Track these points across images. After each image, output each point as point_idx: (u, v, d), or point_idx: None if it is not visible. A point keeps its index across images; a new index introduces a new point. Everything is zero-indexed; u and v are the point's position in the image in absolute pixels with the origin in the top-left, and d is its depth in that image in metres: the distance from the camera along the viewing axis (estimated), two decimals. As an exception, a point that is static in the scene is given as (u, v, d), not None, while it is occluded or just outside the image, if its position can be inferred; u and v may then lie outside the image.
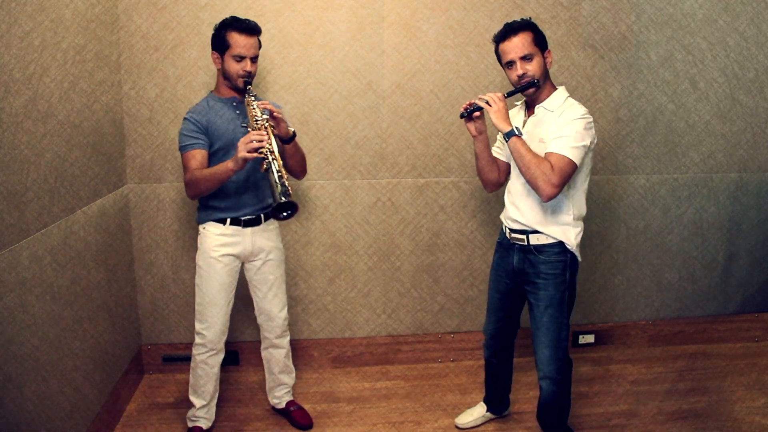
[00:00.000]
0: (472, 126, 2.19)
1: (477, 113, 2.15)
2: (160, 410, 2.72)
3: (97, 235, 2.43)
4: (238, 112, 2.34)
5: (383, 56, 2.86)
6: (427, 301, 3.13)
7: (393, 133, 2.94)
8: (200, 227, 2.41)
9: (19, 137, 1.82)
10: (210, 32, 2.32)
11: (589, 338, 3.27)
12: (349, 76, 2.86)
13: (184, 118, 2.31)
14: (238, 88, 2.31)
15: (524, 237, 2.22)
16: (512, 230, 2.27)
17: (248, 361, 3.06)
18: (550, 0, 2.88)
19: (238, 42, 2.23)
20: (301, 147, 2.45)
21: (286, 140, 2.31)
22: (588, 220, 3.10)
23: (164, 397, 2.83)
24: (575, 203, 2.18)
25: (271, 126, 2.20)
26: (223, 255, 2.36)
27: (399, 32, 2.85)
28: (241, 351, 3.06)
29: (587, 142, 2.07)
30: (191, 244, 2.89)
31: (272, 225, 2.49)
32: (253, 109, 2.20)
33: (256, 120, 2.17)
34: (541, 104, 2.16)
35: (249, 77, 2.27)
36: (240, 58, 2.25)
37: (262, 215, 2.42)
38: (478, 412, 2.63)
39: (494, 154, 2.35)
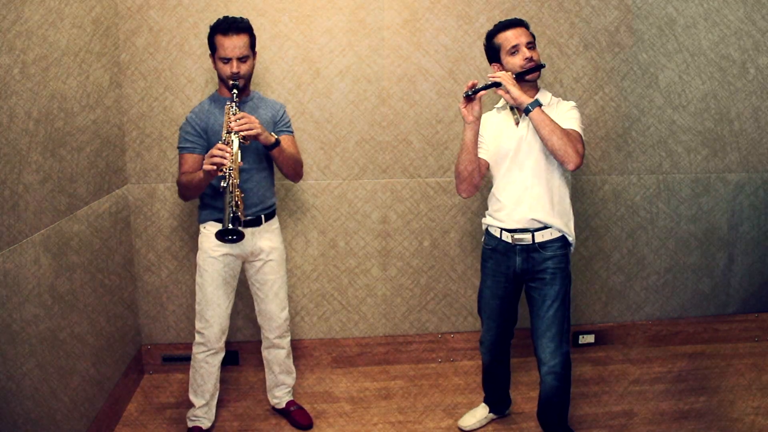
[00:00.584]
0: (471, 108, 2.12)
1: (482, 92, 2.11)
2: (160, 410, 2.72)
3: (97, 235, 2.43)
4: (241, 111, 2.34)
5: (383, 56, 2.86)
6: (427, 301, 3.13)
7: (393, 133, 2.94)
8: (201, 227, 2.41)
9: (19, 137, 1.82)
10: (210, 32, 2.32)
11: (589, 338, 3.27)
12: (348, 76, 2.86)
13: (186, 118, 2.34)
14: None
15: (529, 235, 2.22)
16: (512, 230, 2.24)
17: (248, 361, 3.06)
18: (550, 1, 2.88)
19: (222, 44, 2.23)
20: (298, 149, 2.44)
21: (269, 147, 2.28)
22: (588, 220, 3.13)
23: (164, 397, 2.83)
24: (570, 193, 2.26)
25: (241, 139, 2.15)
26: (224, 255, 2.36)
27: (399, 32, 2.85)
28: (241, 351, 3.06)
29: (583, 129, 2.19)
30: (191, 244, 2.89)
31: (273, 225, 2.49)
32: (229, 117, 2.18)
33: (228, 132, 2.15)
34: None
35: (236, 78, 2.25)
36: (226, 60, 2.24)
37: (262, 216, 2.42)
38: (480, 413, 2.63)
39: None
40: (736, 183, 3.21)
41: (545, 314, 2.21)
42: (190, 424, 2.51)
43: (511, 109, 2.25)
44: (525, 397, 2.79)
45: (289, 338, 2.60)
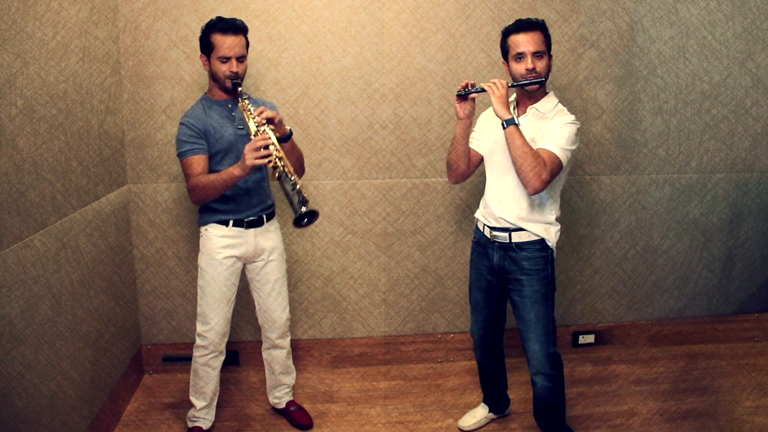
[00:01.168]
0: (463, 107, 2.18)
1: (474, 95, 2.16)
2: (160, 410, 2.72)
3: (97, 235, 2.43)
4: (233, 114, 2.33)
5: (383, 57, 2.86)
6: (427, 301, 3.13)
7: (392, 133, 2.94)
8: (202, 229, 2.40)
9: (19, 138, 1.82)
10: (209, 33, 2.32)
11: (589, 338, 3.27)
12: (348, 76, 2.86)
13: (181, 123, 2.28)
14: (228, 89, 2.29)
15: (506, 234, 2.24)
16: (493, 228, 2.28)
17: (248, 361, 3.07)
18: (553, 1, 2.88)
19: (222, 43, 2.21)
20: (299, 147, 2.44)
21: (283, 139, 2.29)
22: (588, 220, 3.13)
23: (164, 397, 2.83)
24: (555, 203, 2.23)
25: (272, 129, 2.18)
26: (226, 257, 2.36)
27: (399, 32, 2.85)
28: (241, 351, 3.06)
29: (574, 147, 2.14)
30: (191, 244, 2.89)
31: (274, 225, 2.49)
32: (250, 113, 2.18)
33: (258, 125, 2.15)
34: (534, 105, 2.20)
35: (236, 78, 2.24)
36: (225, 59, 2.23)
37: (264, 216, 2.42)
38: (480, 413, 2.63)
39: (470, 144, 2.33)
40: (736, 183, 3.21)
41: (527, 316, 2.22)
42: (190, 425, 2.51)
43: (515, 108, 2.26)
44: (525, 396, 2.78)
45: (289, 338, 2.60)
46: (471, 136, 2.33)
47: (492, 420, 2.65)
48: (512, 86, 2.15)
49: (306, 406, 2.70)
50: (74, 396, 2.16)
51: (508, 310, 2.42)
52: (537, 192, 2.07)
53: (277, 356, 2.59)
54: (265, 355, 2.62)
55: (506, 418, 2.68)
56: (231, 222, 2.35)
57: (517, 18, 2.21)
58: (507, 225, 2.23)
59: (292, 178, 2.08)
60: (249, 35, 2.31)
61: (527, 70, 2.12)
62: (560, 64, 2.93)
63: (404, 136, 2.95)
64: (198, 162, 2.24)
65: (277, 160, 2.08)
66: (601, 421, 2.65)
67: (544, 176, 2.04)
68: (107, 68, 2.55)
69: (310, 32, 2.80)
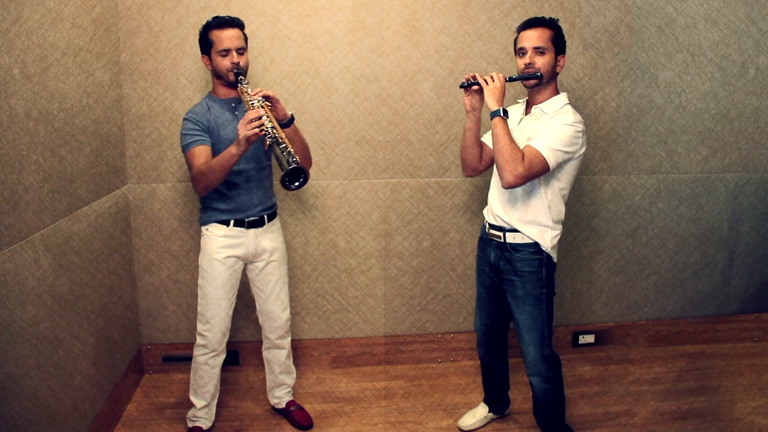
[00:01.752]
0: (468, 99, 2.20)
1: (476, 87, 2.17)
2: (160, 410, 2.72)
3: (97, 235, 2.43)
4: (237, 113, 2.34)
5: (383, 56, 2.86)
6: (427, 301, 3.13)
7: (393, 133, 2.94)
8: (203, 229, 2.40)
9: (19, 137, 1.82)
10: (210, 32, 2.32)
11: (589, 338, 3.27)
12: (348, 76, 2.86)
13: (184, 119, 2.29)
14: (232, 84, 2.29)
15: (501, 234, 2.24)
16: (491, 226, 2.29)
17: (248, 361, 3.07)
18: (550, 1, 2.88)
19: (220, 36, 2.23)
20: (303, 136, 2.42)
21: (285, 124, 2.28)
22: (588, 220, 3.13)
23: (164, 397, 2.83)
24: (553, 207, 2.19)
25: (268, 106, 2.16)
26: (227, 257, 2.36)
27: (399, 32, 2.85)
28: (241, 351, 3.06)
29: (570, 150, 2.08)
30: (191, 244, 2.89)
31: (275, 225, 2.49)
32: (247, 94, 2.18)
33: (252, 103, 2.14)
34: (539, 105, 2.19)
35: (239, 69, 2.25)
36: (225, 52, 2.24)
37: (265, 216, 2.42)
38: (480, 413, 2.63)
39: (484, 140, 2.35)
40: (736, 183, 3.21)
41: (520, 318, 2.23)
42: (190, 425, 2.51)
43: (524, 108, 2.27)
44: (525, 396, 2.78)
45: (289, 338, 2.60)
46: (488, 132, 2.33)
47: (492, 420, 2.65)
48: (509, 80, 2.15)
49: (306, 406, 2.70)
50: (74, 396, 2.16)
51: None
52: (510, 187, 2.05)
53: (277, 356, 2.59)
54: (265, 354, 2.62)
55: (507, 418, 2.68)
56: (232, 222, 2.35)
57: (519, 18, 2.23)
58: (502, 224, 2.24)
59: (282, 140, 2.03)
60: (250, 35, 2.32)
61: (525, 65, 2.13)
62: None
63: (405, 136, 2.95)
64: (201, 152, 2.23)
65: (269, 128, 2.04)
66: (601, 421, 2.65)
67: (519, 171, 2.01)
68: (107, 68, 2.55)
69: (310, 32, 2.80)
